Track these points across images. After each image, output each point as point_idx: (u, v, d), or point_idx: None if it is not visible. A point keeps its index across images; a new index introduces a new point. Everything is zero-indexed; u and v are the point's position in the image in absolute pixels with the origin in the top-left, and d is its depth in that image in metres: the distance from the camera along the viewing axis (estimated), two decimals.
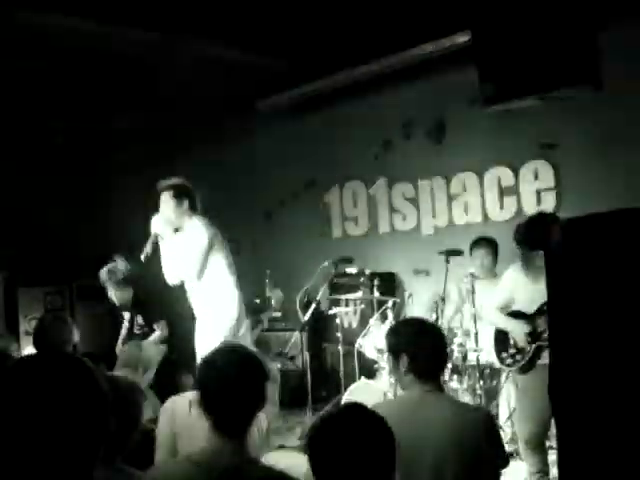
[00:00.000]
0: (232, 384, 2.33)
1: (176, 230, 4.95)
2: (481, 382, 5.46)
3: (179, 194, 4.89)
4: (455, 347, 5.56)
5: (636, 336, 2.12)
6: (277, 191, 8.32)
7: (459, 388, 5.56)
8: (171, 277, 4.92)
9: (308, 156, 7.91)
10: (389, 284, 7.05)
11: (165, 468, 2.54)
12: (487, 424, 2.74)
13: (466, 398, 5.51)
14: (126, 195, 9.06)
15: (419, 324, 3.13)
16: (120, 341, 6.15)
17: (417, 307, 6.55)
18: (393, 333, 3.04)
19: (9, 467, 1.32)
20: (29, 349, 5.63)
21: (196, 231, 4.81)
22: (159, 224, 4.88)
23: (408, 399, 2.94)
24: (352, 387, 5.62)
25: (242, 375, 2.36)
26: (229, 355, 2.45)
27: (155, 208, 4.97)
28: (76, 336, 4.83)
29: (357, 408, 2.16)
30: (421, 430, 2.63)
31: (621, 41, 5.33)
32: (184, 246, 4.82)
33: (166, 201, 4.90)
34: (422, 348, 2.86)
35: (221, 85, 7.49)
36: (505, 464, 2.85)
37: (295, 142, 8.05)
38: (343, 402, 5.06)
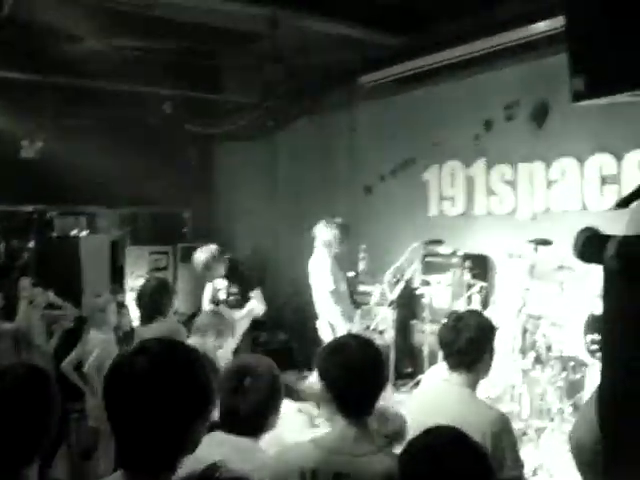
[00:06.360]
0: (357, 369, 2.38)
1: None
2: (564, 374, 5.46)
3: None
4: (539, 337, 5.57)
5: None
6: (377, 166, 8.39)
7: (540, 378, 5.54)
8: None
9: (408, 133, 7.89)
10: (481, 267, 7.00)
11: (292, 451, 2.49)
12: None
13: (548, 389, 5.50)
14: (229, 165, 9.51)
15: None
16: (203, 306, 6.52)
17: (507, 293, 6.47)
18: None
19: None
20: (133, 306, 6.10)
21: None
22: None
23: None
24: (430, 369, 5.65)
25: (366, 360, 2.41)
26: (352, 342, 2.50)
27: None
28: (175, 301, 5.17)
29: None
30: None
31: None
32: None
33: None
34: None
35: (324, 59, 7.57)
36: None
37: (396, 119, 8.04)
38: (421, 383, 5.15)
